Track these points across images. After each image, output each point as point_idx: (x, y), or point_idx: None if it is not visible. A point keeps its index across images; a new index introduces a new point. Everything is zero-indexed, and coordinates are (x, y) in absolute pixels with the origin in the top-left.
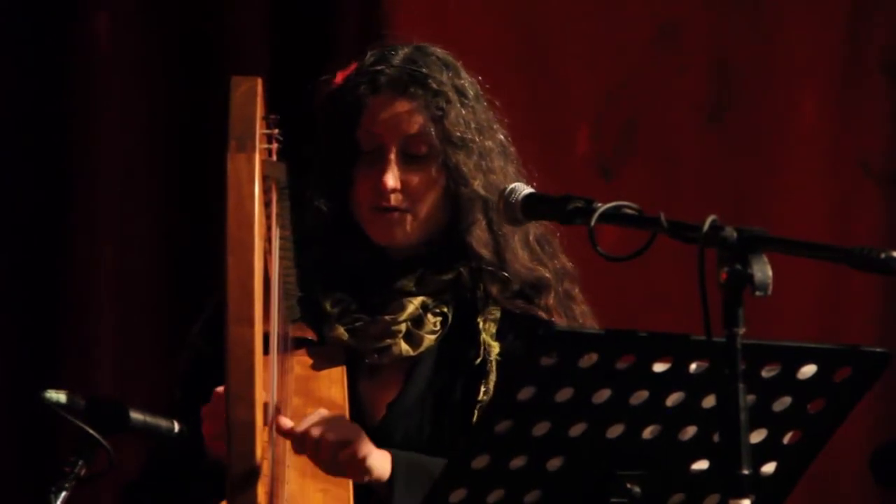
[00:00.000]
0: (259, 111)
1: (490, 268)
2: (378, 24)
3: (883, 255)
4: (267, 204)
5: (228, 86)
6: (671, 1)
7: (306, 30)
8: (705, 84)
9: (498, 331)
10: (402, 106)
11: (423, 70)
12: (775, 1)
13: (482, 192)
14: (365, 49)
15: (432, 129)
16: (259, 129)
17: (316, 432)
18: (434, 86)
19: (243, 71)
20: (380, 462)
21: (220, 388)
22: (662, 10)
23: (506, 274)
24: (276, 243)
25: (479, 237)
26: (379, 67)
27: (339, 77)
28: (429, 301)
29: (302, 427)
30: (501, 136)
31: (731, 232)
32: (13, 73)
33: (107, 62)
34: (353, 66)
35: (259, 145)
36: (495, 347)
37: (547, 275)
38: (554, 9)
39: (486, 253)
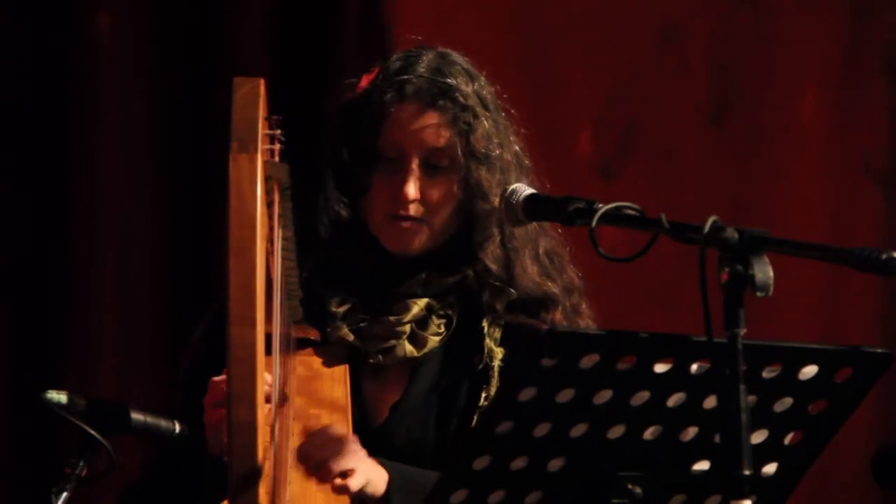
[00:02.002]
0: (261, 112)
1: (497, 283)
2: (379, 25)
3: (884, 256)
4: (269, 204)
5: (230, 86)
6: (672, 3)
7: (306, 30)
8: (706, 85)
9: (503, 336)
10: (430, 118)
11: (451, 81)
12: (776, 2)
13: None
14: (366, 53)
15: (457, 144)
16: (261, 130)
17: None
18: (462, 99)
19: (244, 71)
20: (374, 476)
21: (217, 378)
22: (663, 11)
23: (513, 291)
24: (278, 244)
25: (491, 252)
26: (406, 76)
27: (365, 81)
28: (434, 303)
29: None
30: (517, 148)
31: (732, 233)
32: (13, 73)
33: (107, 62)
34: (375, 71)
35: (261, 146)
36: (498, 353)
37: (555, 290)
38: (555, 10)
39: (495, 268)
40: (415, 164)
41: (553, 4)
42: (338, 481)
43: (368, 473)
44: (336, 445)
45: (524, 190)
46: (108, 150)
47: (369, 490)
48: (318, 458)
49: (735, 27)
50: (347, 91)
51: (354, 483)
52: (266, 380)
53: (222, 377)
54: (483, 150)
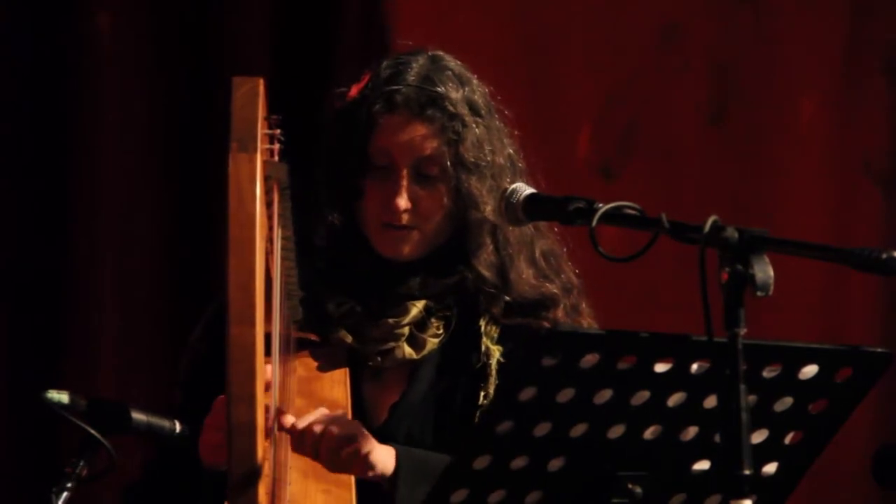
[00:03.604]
0: (260, 112)
1: (492, 290)
2: (378, 25)
3: (884, 256)
4: (268, 204)
5: (229, 86)
6: (672, 3)
7: (306, 30)
8: (706, 85)
9: (500, 335)
10: (418, 129)
11: (440, 90)
12: (776, 3)
13: (492, 217)
14: (366, 53)
15: (446, 153)
16: (260, 130)
17: (318, 428)
18: (451, 108)
19: (244, 71)
20: (383, 457)
21: (223, 397)
22: (663, 11)
23: (507, 298)
24: (277, 244)
25: (485, 260)
26: (395, 86)
27: (354, 90)
28: (432, 304)
29: (303, 423)
30: (511, 151)
31: (732, 232)
32: (13, 73)
33: (107, 62)
34: (366, 78)
35: (260, 146)
36: (496, 352)
37: (554, 290)
38: (555, 10)
39: (489, 275)
40: (405, 175)
41: (553, 4)
42: (346, 450)
43: (376, 447)
44: (343, 421)
45: (524, 189)
46: (108, 150)
47: (378, 469)
48: (319, 430)
49: (735, 27)
50: (337, 100)
51: (365, 446)
52: (266, 373)
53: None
54: (473, 160)
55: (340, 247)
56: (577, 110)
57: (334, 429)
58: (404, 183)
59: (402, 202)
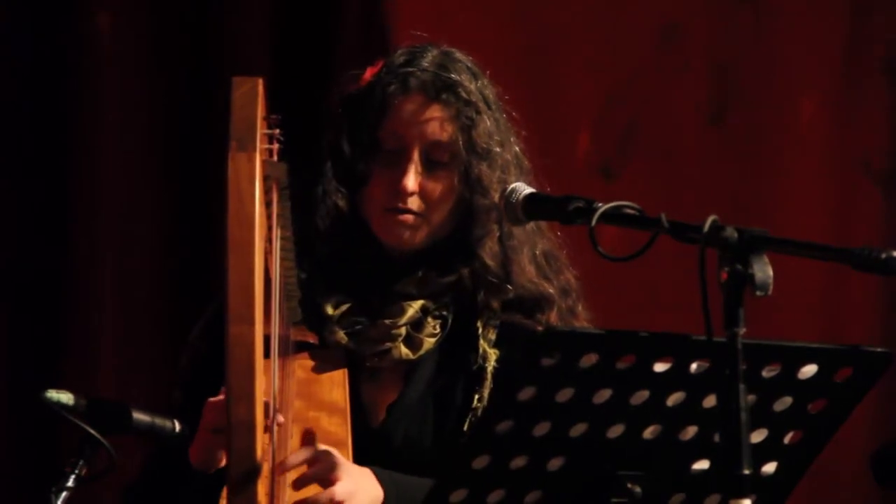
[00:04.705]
0: (260, 111)
1: (494, 280)
2: (379, 25)
3: (884, 256)
4: (268, 204)
5: (229, 86)
6: (672, 3)
7: (306, 30)
8: (706, 85)
9: (498, 337)
10: (434, 112)
11: (455, 77)
12: (775, 3)
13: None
14: (366, 53)
15: (459, 139)
16: (260, 130)
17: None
18: (465, 95)
19: (244, 71)
20: (372, 494)
21: (213, 399)
22: (663, 11)
23: (509, 288)
24: (276, 244)
25: (489, 248)
26: (410, 69)
27: (368, 73)
28: (429, 304)
29: (296, 459)
30: (517, 149)
31: (731, 232)
32: (13, 73)
33: (107, 62)
34: (380, 64)
35: (260, 145)
36: (493, 355)
37: (551, 291)
38: (555, 10)
39: (493, 265)
40: (415, 158)
41: (553, 4)
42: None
43: (362, 499)
44: (331, 460)
45: (524, 189)
46: (108, 150)
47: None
48: (316, 469)
49: (735, 27)
50: (350, 83)
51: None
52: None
53: (219, 398)
54: (484, 146)
55: (341, 237)
56: (577, 110)
57: (316, 462)
58: (414, 165)
59: (411, 183)
